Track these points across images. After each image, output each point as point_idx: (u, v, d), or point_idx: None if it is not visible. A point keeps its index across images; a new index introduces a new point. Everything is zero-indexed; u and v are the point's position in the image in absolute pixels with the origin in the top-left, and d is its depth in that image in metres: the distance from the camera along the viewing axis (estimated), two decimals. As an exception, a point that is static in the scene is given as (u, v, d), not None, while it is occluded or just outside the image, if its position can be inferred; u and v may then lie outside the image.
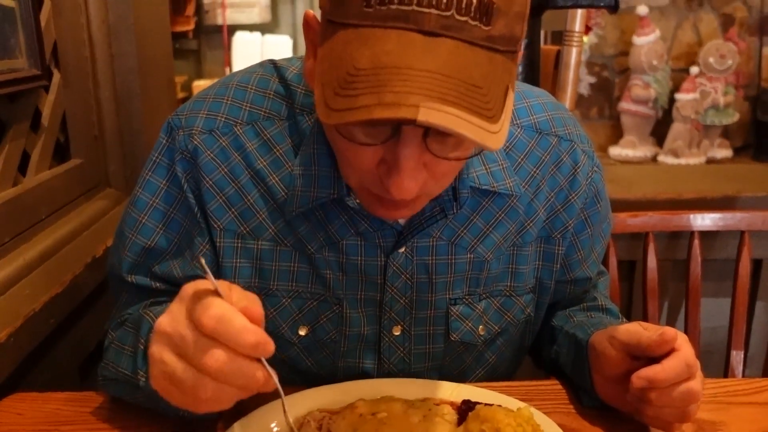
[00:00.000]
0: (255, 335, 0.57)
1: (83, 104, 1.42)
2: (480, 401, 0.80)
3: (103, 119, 1.50)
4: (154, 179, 0.86)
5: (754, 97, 2.56)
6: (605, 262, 1.38)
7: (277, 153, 0.84)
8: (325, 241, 0.85)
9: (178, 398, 0.61)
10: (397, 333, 0.89)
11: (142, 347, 0.75)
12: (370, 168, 0.69)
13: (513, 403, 0.80)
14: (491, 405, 0.78)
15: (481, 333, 0.91)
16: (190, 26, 4.14)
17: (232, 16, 4.24)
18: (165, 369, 0.60)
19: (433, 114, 0.57)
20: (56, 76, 1.32)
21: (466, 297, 0.89)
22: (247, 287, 0.85)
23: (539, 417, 0.76)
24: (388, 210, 0.74)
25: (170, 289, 0.87)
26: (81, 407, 0.87)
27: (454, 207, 0.83)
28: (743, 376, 1.39)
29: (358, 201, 0.81)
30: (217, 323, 0.57)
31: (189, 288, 0.61)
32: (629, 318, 1.65)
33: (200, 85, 4.42)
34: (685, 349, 0.73)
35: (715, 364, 1.44)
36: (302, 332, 0.88)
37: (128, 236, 0.87)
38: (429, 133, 0.64)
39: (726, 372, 1.39)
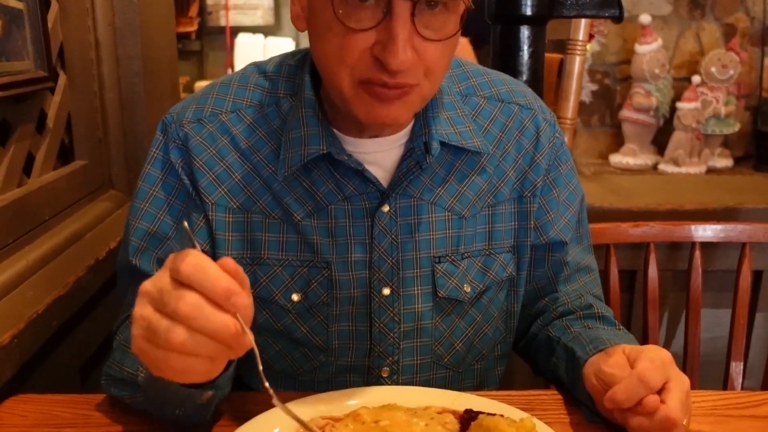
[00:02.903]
0: (227, 282, 0.60)
1: (88, 106, 1.43)
2: (482, 411, 0.80)
3: (108, 121, 1.50)
4: (152, 171, 0.94)
5: (755, 108, 2.57)
6: (606, 271, 1.38)
7: (260, 134, 0.93)
8: (313, 209, 0.91)
9: (153, 356, 0.62)
10: (386, 293, 0.93)
11: None
12: (364, 53, 0.77)
13: (515, 412, 0.80)
14: (494, 415, 0.78)
15: (467, 291, 0.96)
16: (193, 27, 4.14)
17: (235, 18, 4.25)
18: (142, 324, 0.62)
19: None
20: (62, 78, 1.33)
21: (450, 255, 0.95)
22: (240, 258, 0.92)
23: (541, 427, 0.77)
24: (385, 105, 0.80)
25: None
26: (83, 410, 0.87)
27: (427, 158, 0.91)
28: (742, 387, 1.40)
29: (345, 157, 0.88)
30: (192, 269, 0.60)
31: (173, 254, 0.64)
32: (629, 328, 1.65)
33: (202, 86, 4.40)
34: (640, 366, 0.75)
35: (715, 375, 1.44)
36: (295, 298, 0.93)
37: (132, 223, 0.94)
38: (415, 12, 0.75)
39: (725, 383, 1.40)
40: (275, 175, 0.91)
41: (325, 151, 0.88)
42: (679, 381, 0.76)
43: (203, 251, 0.92)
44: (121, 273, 0.97)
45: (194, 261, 0.60)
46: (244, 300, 0.61)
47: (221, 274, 0.60)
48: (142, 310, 0.62)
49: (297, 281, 0.92)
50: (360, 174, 0.90)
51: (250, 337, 0.62)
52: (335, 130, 0.91)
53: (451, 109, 0.95)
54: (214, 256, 0.92)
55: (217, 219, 0.92)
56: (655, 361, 0.76)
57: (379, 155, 0.92)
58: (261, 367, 0.65)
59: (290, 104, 0.93)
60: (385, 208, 0.92)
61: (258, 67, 0.98)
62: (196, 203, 0.92)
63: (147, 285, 0.63)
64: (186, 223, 0.68)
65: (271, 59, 1.00)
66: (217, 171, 0.92)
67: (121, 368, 0.85)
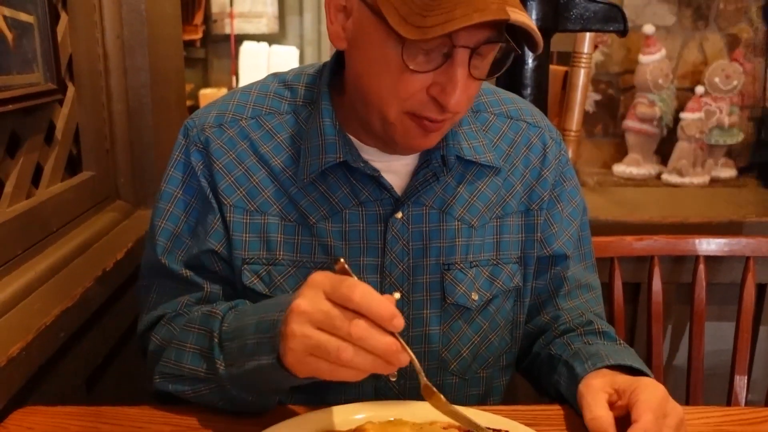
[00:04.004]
0: (391, 309, 0.69)
1: (96, 117, 1.44)
2: (488, 426, 0.80)
3: (115, 132, 1.51)
4: (175, 174, 0.98)
5: (759, 118, 2.57)
6: (610, 283, 1.38)
7: (278, 140, 0.96)
8: (328, 213, 0.94)
9: (314, 365, 0.71)
10: (396, 297, 0.93)
11: (216, 340, 0.85)
12: (420, 91, 0.82)
13: (520, 428, 0.80)
14: (499, 430, 0.79)
15: (475, 299, 0.98)
16: (198, 35, 4.17)
17: (239, 26, 4.28)
18: (306, 342, 0.70)
19: (518, 15, 0.75)
20: (70, 90, 1.34)
21: (458, 263, 0.97)
22: (255, 259, 0.95)
23: (546, 444, 0.77)
24: (424, 137, 0.87)
25: (195, 279, 0.97)
26: (91, 422, 0.88)
27: (444, 170, 0.96)
28: (746, 400, 1.40)
29: (362, 164, 0.92)
30: (362, 297, 0.68)
31: (319, 276, 0.72)
32: (632, 340, 1.66)
33: (207, 93, 4.44)
34: (643, 420, 0.76)
35: (719, 389, 1.44)
36: None
37: (158, 224, 0.98)
38: (473, 56, 0.79)
39: (729, 396, 1.39)
40: (292, 180, 0.95)
41: (341, 160, 0.91)
42: (673, 415, 0.78)
43: (215, 250, 0.96)
44: (147, 270, 1.00)
45: (364, 290, 0.69)
46: (402, 322, 0.69)
47: (386, 302, 0.69)
48: (303, 328, 0.70)
49: None
50: (375, 180, 0.93)
51: (408, 354, 0.70)
52: (352, 137, 0.94)
53: (465, 124, 0.99)
54: (232, 257, 0.96)
55: (235, 220, 0.95)
56: (656, 411, 0.77)
57: (394, 164, 0.95)
58: (426, 381, 0.74)
59: (308, 112, 0.97)
60: (399, 215, 0.95)
61: (278, 77, 1.02)
62: (212, 206, 0.95)
63: (304, 306, 0.71)
64: (342, 260, 0.74)
65: (291, 70, 1.04)
66: (236, 174, 0.95)
67: (180, 366, 0.89)
